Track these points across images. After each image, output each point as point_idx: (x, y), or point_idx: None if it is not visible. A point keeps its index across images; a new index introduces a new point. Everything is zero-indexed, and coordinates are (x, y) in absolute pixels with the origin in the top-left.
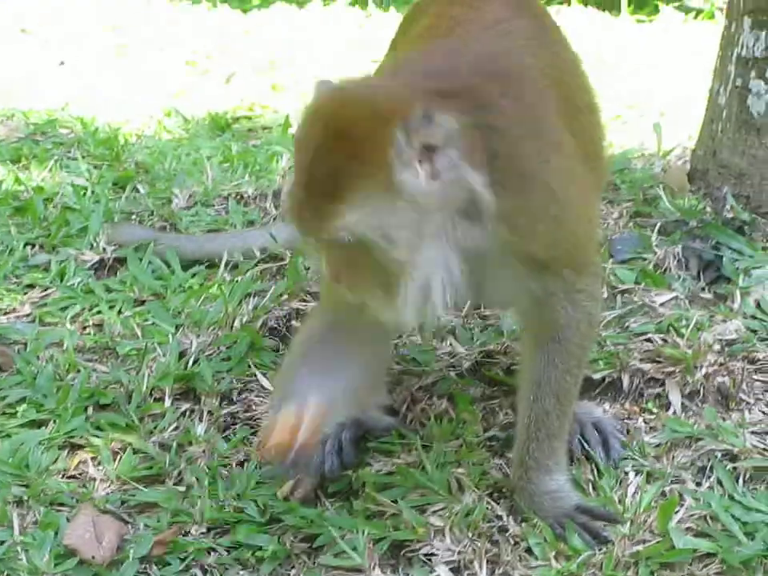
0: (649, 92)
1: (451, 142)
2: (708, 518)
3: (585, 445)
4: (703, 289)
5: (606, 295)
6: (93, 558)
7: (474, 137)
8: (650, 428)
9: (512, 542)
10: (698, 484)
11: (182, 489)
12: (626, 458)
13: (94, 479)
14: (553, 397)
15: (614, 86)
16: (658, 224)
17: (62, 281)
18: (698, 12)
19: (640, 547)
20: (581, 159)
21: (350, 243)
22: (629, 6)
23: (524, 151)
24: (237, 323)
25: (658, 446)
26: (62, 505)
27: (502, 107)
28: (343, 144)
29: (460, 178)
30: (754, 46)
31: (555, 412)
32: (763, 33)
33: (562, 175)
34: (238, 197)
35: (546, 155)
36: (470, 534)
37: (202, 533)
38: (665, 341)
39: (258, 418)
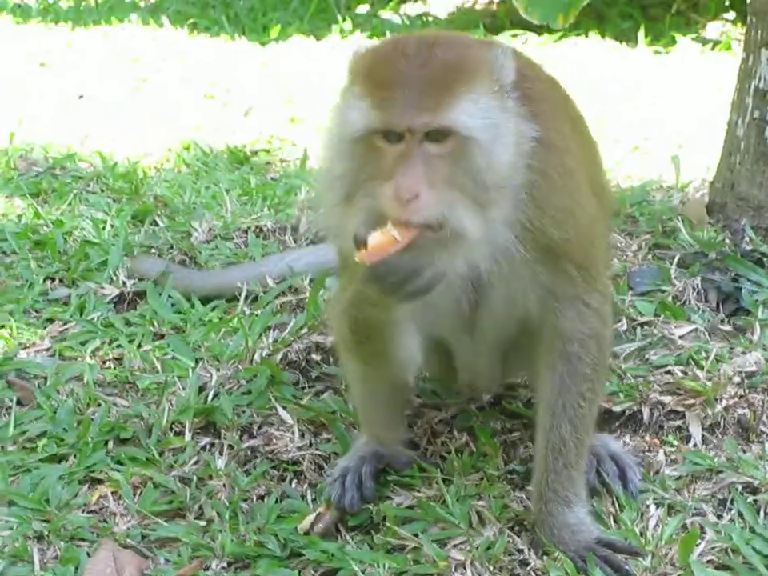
0: (667, 124)
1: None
2: (729, 550)
3: (603, 477)
4: (722, 321)
5: (625, 327)
6: None
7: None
8: (671, 461)
9: None
10: (719, 517)
11: (202, 523)
12: (646, 491)
13: (115, 514)
14: (569, 424)
15: (631, 117)
16: (677, 256)
17: (81, 315)
18: (715, 43)
19: None
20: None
21: (454, 142)
22: (645, 37)
23: (554, 141)
24: (257, 357)
25: (678, 478)
26: (82, 540)
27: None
28: (453, 53)
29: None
30: None
31: (572, 440)
32: None
33: (581, 173)
34: (258, 230)
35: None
36: (491, 568)
37: (223, 567)
38: (684, 373)
39: (278, 452)
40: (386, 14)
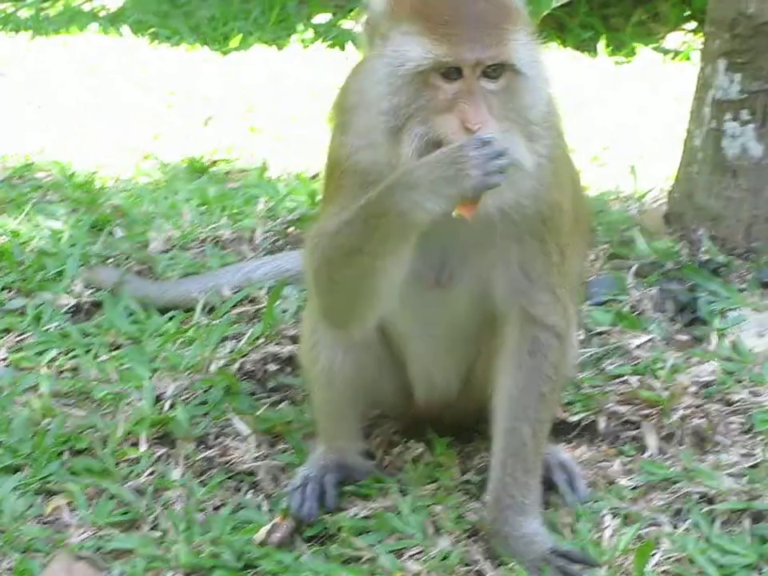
0: (626, 133)
1: None
2: (685, 560)
3: (554, 486)
4: (679, 331)
5: (582, 337)
6: None
7: None
8: (627, 471)
9: None
10: (675, 527)
11: (157, 534)
12: (602, 501)
13: (69, 525)
14: (529, 428)
15: (591, 127)
16: (635, 266)
17: (38, 325)
18: (676, 53)
19: None
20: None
21: (506, 78)
22: (606, 47)
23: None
24: (213, 367)
25: (634, 488)
26: (36, 551)
27: None
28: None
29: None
30: (728, 88)
31: (531, 445)
32: (738, 75)
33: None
34: (215, 240)
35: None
36: None
37: None
38: (641, 383)
39: (234, 462)
40: (347, 23)
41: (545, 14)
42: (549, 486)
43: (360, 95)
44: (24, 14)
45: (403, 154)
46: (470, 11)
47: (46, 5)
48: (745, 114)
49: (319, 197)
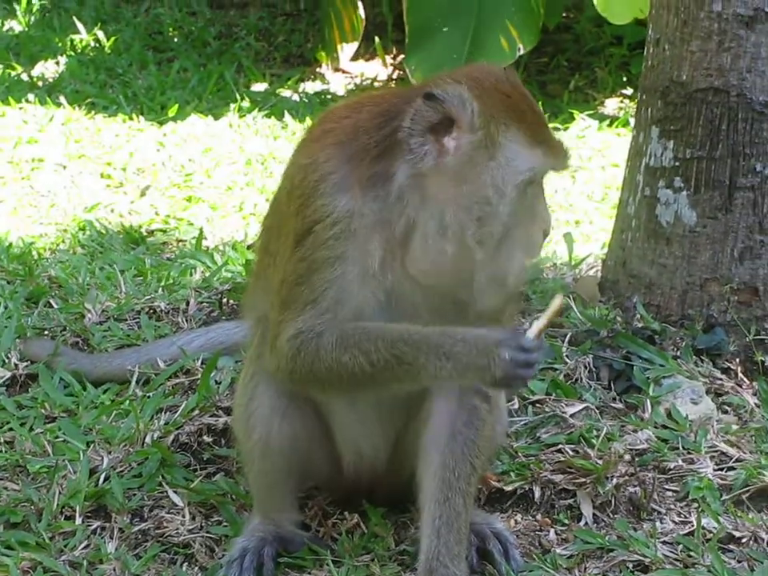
0: (563, 200)
1: None
2: None
3: (489, 555)
4: (614, 399)
5: (516, 405)
6: None
7: None
8: (562, 539)
9: None
10: None
11: None
12: (537, 570)
13: None
14: (461, 496)
15: None
16: (569, 334)
17: None
18: (613, 119)
19: None
20: None
21: None
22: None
23: None
24: (148, 439)
25: (569, 557)
26: None
27: None
28: None
29: None
30: (662, 155)
31: (464, 514)
32: (671, 142)
33: None
34: (151, 311)
35: None
36: None
37: None
38: (576, 452)
39: (169, 535)
40: (284, 92)
41: None
42: (483, 555)
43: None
44: None
45: (505, 270)
46: (543, 114)
47: None
48: (678, 182)
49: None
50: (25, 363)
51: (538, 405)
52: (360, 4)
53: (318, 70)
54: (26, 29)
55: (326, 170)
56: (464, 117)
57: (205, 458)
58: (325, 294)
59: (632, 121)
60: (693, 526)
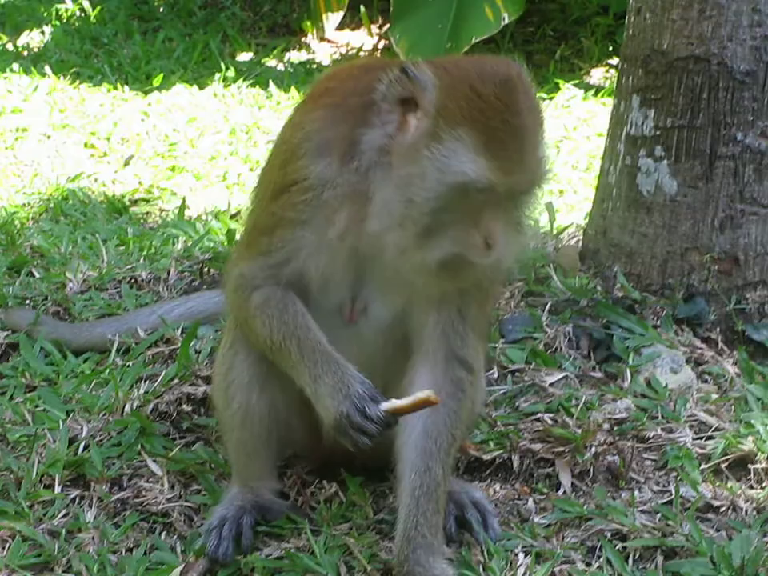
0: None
1: None
2: None
3: (466, 524)
4: (594, 368)
5: (496, 375)
6: None
7: None
8: (540, 508)
9: None
10: (588, 564)
11: None
12: (515, 539)
13: None
14: (441, 467)
15: None
16: (549, 303)
17: None
18: (598, 89)
19: None
20: None
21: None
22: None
23: None
24: (128, 408)
25: (547, 526)
26: None
27: None
28: (532, 104)
29: None
30: (642, 124)
31: (443, 484)
32: (652, 111)
33: None
34: (132, 280)
35: None
36: None
37: None
38: (555, 420)
39: (147, 504)
40: (270, 61)
41: (466, 49)
42: (462, 524)
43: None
44: None
45: (428, 259)
46: (521, 127)
47: None
48: (659, 150)
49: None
50: (6, 333)
51: (517, 374)
52: None
53: (303, 39)
54: None
55: (311, 131)
56: (423, 101)
57: (184, 427)
58: (278, 252)
59: None
60: (671, 494)
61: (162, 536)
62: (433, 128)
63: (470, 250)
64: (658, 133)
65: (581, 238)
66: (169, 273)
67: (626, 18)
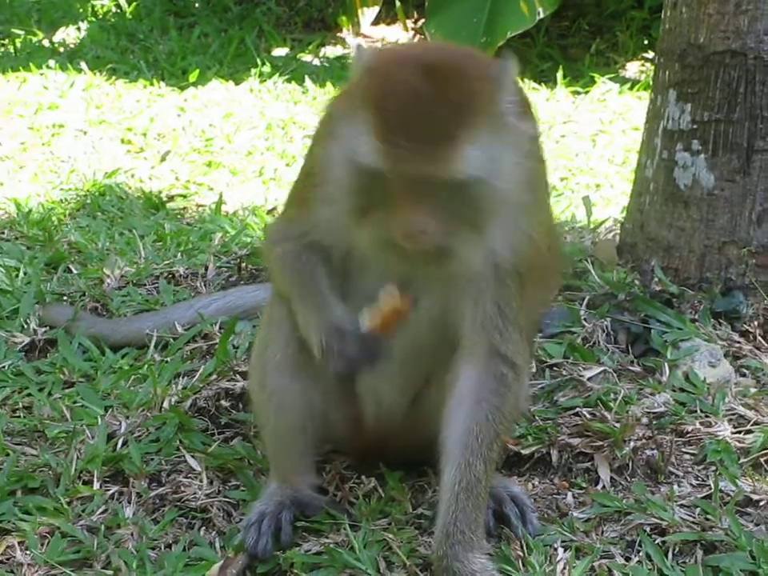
0: (583, 164)
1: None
2: None
3: (505, 519)
4: (632, 362)
5: (534, 369)
6: None
7: None
8: (579, 503)
9: None
10: (627, 559)
11: (109, 573)
12: (554, 533)
13: (22, 564)
14: (483, 464)
15: (549, 158)
16: (587, 298)
17: None
18: (634, 83)
19: None
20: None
21: (457, 184)
22: (564, 78)
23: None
24: (166, 404)
25: (587, 521)
26: None
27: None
28: (454, 93)
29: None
30: (679, 118)
31: (484, 480)
32: (688, 105)
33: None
34: (170, 276)
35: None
36: None
37: None
38: (593, 415)
39: (186, 499)
40: (305, 56)
41: (501, 43)
42: (500, 518)
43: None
44: None
45: (362, 241)
46: (419, 119)
47: (4, 41)
48: (696, 144)
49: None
50: (44, 329)
51: (555, 368)
52: None
53: (338, 34)
54: None
55: (338, 112)
56: (353, 82)
57: (222, 423)
58: (301, 222)
59: None
60: (710, 489)
61: (201, 532)
62: (348, 108)
63: (394, 234)
64: (694, 127)
65: (618, 231)
66: (206, 268)
67: (662, 12)
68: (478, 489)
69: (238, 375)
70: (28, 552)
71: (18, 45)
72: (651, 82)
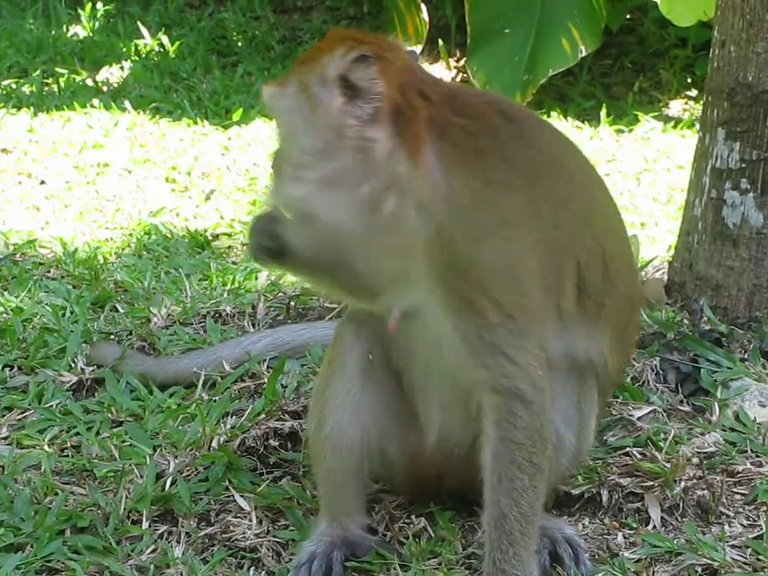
0: (629, 203)
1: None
2: None
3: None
4: (681, 401)
5: None
6: None
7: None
8: (630, 543)
9: None
10: None
11: None
12: (606, 573)
13: None
14: (507, 497)
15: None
16: (636, 337)
17: (40, 402)
18: (677, 121)
19: None
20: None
21: None
22: (608, 116)
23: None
24: (214, 443)
25: (638, 561)
26: None
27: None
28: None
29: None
30: (728, 157)
31: (513, 515)
32: (737, 144)
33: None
34: (216, 315)
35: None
36: None
37: None
38: (643, 455)
39: (235, 539)
40: None
41: (542, 81)
42: (555, 559)
43: None
44: (26, 90)
45: None
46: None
47: (48, 80)
48: (744, 183)
49: None
50: (91, 368)
51: (605, 408)
52: (423, 7)
53: None
54: (91, 34)
55: None
56: None
57: (271, 462)
58: None
59: (697, 122)
60: (762, 529)
61: (251, 572)
62: None
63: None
64: (743, 165)
65: (665, 270)
66: (254, 307)
67: (710, 50)
68: (507, 525)
69: (286, 414)
70: None
71: (62, 84)
72: (698, 121)
